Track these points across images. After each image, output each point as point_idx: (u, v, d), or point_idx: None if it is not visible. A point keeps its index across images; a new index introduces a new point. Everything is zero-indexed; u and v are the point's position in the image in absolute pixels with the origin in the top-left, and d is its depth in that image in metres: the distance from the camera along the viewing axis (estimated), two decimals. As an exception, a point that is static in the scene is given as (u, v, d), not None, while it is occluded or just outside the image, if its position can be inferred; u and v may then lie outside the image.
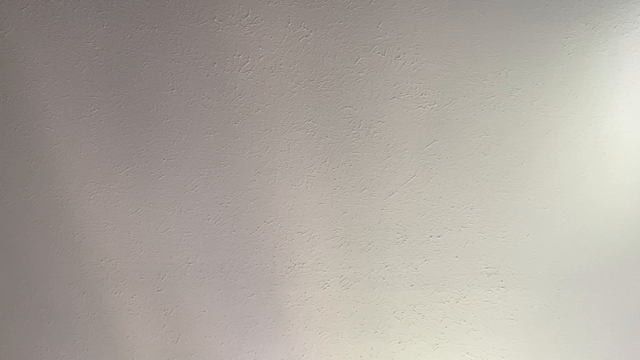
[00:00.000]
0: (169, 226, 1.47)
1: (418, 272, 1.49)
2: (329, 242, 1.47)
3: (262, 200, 1.43)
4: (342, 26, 1.25)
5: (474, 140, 1.36)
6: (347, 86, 1.31)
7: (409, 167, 1.38)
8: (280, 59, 1.29)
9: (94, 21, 1.26)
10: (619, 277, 1.48)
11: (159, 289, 1.54)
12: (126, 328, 1.60)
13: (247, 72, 1.30)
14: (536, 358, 1.58)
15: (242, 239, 1.47)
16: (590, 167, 1.38)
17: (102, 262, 1.52)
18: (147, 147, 1.38)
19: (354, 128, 1.35)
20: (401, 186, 1.40)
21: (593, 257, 1.47)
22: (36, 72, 1.31)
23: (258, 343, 1.60)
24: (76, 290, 1.55)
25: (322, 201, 1.42)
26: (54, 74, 1.31)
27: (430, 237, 1.45)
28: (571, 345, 1.56)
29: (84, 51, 1.29)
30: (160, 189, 1.42)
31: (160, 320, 1.59)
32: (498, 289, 1.50)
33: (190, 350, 1.63)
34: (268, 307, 1.55)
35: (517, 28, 1.25)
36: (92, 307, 1.58)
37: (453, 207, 1.42)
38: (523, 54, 1.27)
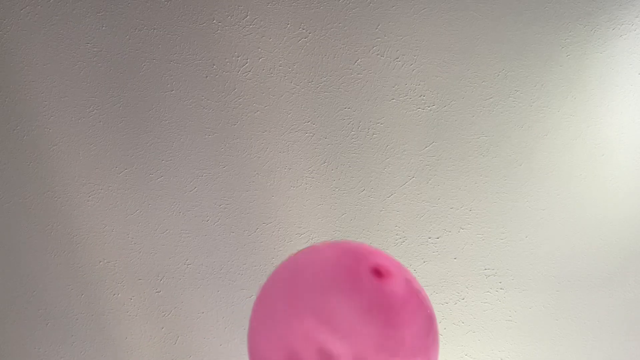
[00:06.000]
0: (168, 227, 1.46)
1: (417, 274, 1.49)
2: (327, 244, 1.47)
3: (261, 201, 1.42)
4: (341, 27, 1.26)
5: (473, 141, 1.36)
6: (346, 87, 1.31)
7: (408, 169, 1.38)
8: (279, 60, 1.29)
9: (93, 22, 1.26)
10: (618, 278, 1.48)
11: (158, 290, 1.54)
12: (124, 329, 1.59)
13: (246, 74, 1.30)
14: (535, 359, 1.58)
15: (240, 240, 1.47)
16: (588, 168, 1.38)
17: (101, 263, 1.52)
18: (145, 148, 1.38)
19: (353, 129, 1.35)
20: (400, 187, 1.40)
21: (592, 258, 1.47)
22: (35, 73, 1.31)
23: (257, 344, 1.60)
24: (75, 292, 1.55)
25: (321, 202, 1.42)
26: (53, 75, 1.31)
27: (429, 238, 1.45)
28: (570, 347, 1.56)
29: (83, 52, 1.29)
30: (159, 190, 1.42)
31: (159, 322, 1.59)
32: (497, 291, 1.50)
33: (189, 351, 1.62)
34: (267, 308, 1.55)
35: (516, 30, 1.25)
36: (91, 309, 1.57)
37: (452, 208, 1.42)
38: (522, 56, 1.28)
